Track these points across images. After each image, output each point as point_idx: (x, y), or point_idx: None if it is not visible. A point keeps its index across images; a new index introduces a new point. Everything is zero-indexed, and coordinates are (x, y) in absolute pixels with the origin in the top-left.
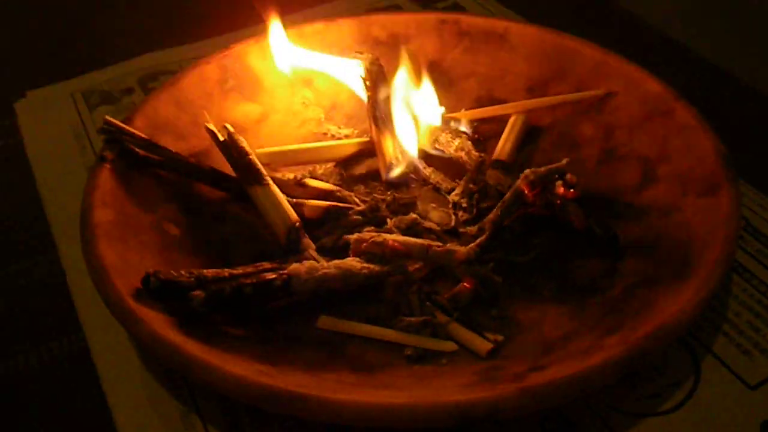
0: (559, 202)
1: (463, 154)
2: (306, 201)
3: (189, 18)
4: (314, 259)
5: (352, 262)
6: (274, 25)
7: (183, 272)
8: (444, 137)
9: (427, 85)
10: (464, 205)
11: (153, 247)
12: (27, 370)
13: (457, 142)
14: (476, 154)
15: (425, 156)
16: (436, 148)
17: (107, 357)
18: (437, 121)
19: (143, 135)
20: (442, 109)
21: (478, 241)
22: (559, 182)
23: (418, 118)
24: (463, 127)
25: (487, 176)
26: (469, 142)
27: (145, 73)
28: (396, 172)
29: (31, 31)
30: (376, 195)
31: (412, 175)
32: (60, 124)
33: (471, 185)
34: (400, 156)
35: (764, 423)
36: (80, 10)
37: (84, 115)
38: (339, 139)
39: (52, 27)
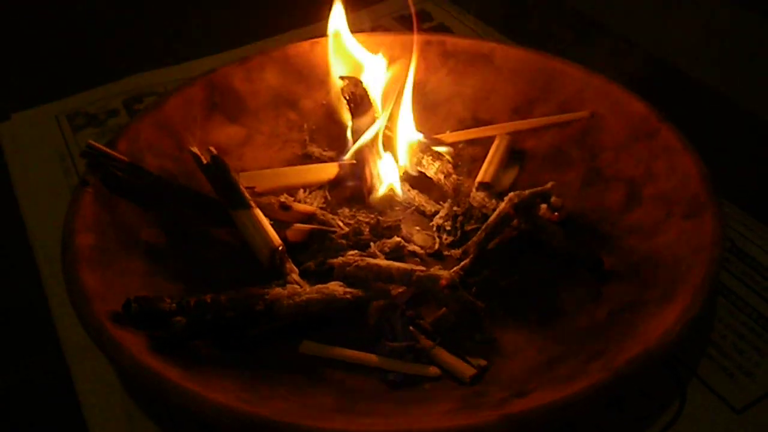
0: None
1: (442, 176)
2: (290, 224)
3: (174, 40)
4: (297, 284)
5: (335, 286)
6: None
7: (165, 298)
8: (426, 159)
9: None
10: (448, 228)
11: (135, 272)
12: (5, 393)
13: (437, 164)
14: (455, 177)
15: (410, 178)
16: (418, 171)
17: (88, 382)
18: (420, 143)
19: (126, 158)
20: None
21: (461, 264)
22: (544, 205)
23: (401, 140)
24: (444, 149)
25: (471, 199)
26: (449, 165)
27: (130, 95)
28: (379, 195)
29: (16, 53)
30: (360, 218)
31: (396, 198)
32: (44, 147)
33: (455, 208)
34: (382, 179)
35: None
36: (65, 32)
37: (68, 137)
38: (323, 161)
39: (37, 49)
